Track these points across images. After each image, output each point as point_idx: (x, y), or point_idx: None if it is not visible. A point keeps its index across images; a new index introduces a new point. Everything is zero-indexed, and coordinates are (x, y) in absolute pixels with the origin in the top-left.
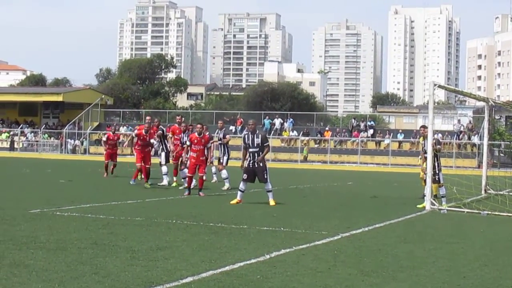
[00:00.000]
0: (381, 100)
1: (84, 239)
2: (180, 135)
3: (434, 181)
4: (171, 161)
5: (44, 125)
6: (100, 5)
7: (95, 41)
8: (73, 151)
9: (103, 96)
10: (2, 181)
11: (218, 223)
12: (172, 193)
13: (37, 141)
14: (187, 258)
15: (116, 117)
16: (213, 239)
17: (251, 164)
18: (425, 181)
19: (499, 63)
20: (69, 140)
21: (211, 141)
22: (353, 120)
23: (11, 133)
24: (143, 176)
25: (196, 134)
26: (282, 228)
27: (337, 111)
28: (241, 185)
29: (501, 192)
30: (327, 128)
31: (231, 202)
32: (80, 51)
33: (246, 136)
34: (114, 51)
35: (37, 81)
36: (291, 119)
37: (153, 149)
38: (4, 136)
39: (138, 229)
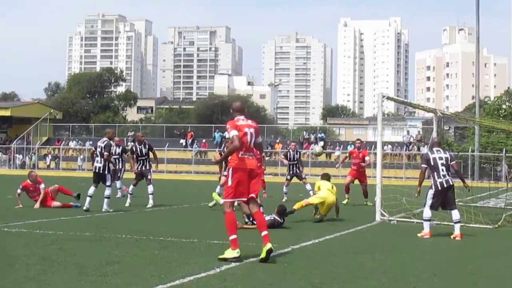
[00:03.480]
0: (332, 112)
1: (32, 255)
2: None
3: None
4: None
5: None
6: (49, 18)
7: (44, 55)
8: (22, 166)
9: (52, 111)
10: None
11: (168, 237)
12: (122, 208)
13: None
14: (137, 273)
15: (65, 131)
16: (163, 253)
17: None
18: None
19: (447, 74)
20: (17, 155)
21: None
22: (304, 132)
23: None
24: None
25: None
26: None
27: (287, 124)
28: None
29: None
30: (277, 141)
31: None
32: (28, 65)
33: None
34: (63, 64)
35: None
36: None
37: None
38: None
39: (87, 244)
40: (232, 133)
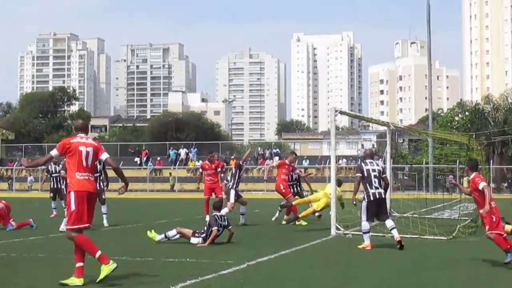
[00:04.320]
0: (286, 127)
1: None
2: None
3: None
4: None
5: None
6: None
7: None
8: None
9: (3, 131)
10: None
11: (123, 256)
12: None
13: None
14: None
15: (18, 151)
16: (118, 273)
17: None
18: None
19: (400, 87)
20: None
21: None
22: (259, 148)
23: None
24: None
25: None
26: (188, 259)
27: (242, 140)
28: None
29: (405, 215)
30: (232, 157)
31: None
32: None
33: None
34: (14, 84)
35: None
36: (196, 149)
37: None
38: None
39: (41, 265)
40: (52, 151)
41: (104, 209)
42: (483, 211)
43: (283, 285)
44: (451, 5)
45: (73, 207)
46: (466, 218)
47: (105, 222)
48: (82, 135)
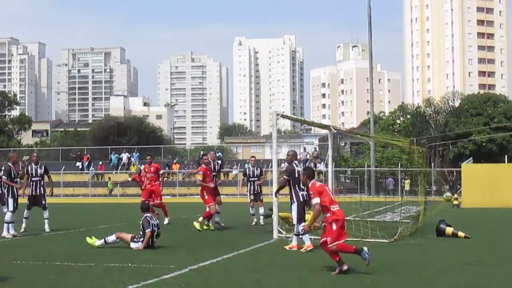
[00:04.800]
0: (229, 131)
1: None
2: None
3: None
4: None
5: None
6: None
7: None
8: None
9: None
10: None
11: (64, 261)
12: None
13: None
14: None
15: None
16: (59, 279)
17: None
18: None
19: (342, 91)
20: None
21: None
22: (202, 151)
23: None
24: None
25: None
26: (130, 264)
27: (185, 144)
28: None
29: (347, 218)
30: (175, 161)
31: None
32: None
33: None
34: None
35: None
36: (138, 153)
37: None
38: None
39: None
40: None
41: (46, 214)
42: (317, 223)
43: None
44: (393, 9)
45: None
46: (408, 220)
47: (46, 227)
48: None
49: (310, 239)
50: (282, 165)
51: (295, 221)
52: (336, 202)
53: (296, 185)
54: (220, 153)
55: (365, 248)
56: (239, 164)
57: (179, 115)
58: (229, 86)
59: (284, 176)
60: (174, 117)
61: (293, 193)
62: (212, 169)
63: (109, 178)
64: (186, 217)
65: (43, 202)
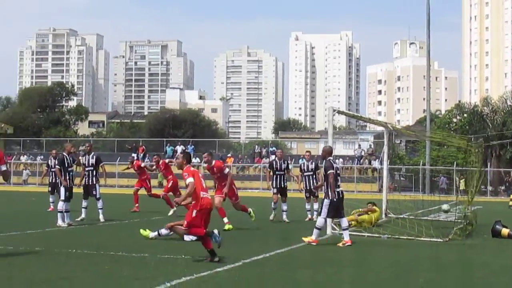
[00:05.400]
0: (283, 126)
1: None
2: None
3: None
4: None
5: None
6: None
7: None
8: None
9: (2, 125)
10: None
11: (119, 251)
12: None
13: None
14: None
15: (17, 145)
16: (114, 268)
17: None
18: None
19: (398, 88)
20: None
21: None
22: (256, 146)
23: None
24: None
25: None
26: (183, 256)
27: (239, 138)
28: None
29: (401, 216)
30: (229, 155)
31: None
32: None
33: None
34: (14, 79)
35: None
36: (193, 146)
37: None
38: None
39: (38, 259)
40: None
41: (99, 204)
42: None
43: (277, 284)
44: (451, 6)
45: None
46: (463, 220)
47: (101, 217)
48: None
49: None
50: (337, 161)
51: (322, 215)
52: (206, 190)
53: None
54: (274, 148)
55: (215, 231)
56: (293, 160)
57: (234, 109)
58: (285, 81)
59: (329, 172)
60: (229, 111)
61: (329, 189)
62: (278, 167)
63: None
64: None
65: (94, 192)
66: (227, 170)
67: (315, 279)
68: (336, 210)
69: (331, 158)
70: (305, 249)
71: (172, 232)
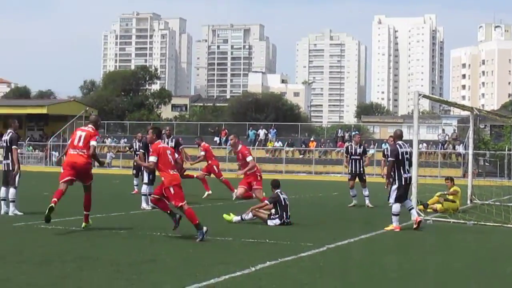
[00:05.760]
0: (366, 110)
1: (68, 252)
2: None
3: None
4: None
5: (28, 138)
6: (84, 17)
7: (80, 53)
8: (58, 163)
9: (87, 108)
10: None
11: None
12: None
13: (21, 154)
14: (172, 271)
15: (101, 129)
16: (198, 252)
17: None
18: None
19: (483, 72)
20: (53, 152)
21: None
22: (339, 130)
23: None
24: None
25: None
26: (267, 240)
27: (321, 122)
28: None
29: (487, 202)
30: (311, 139)
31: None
32: (64, 63)
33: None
34: (98, 63)
35: (21, 93)
36: (275, 130)
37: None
38: None
39: (122, 241)
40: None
41: None
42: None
43: (363, 269)
44: None
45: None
46: None
47: None
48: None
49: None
50: (420, 146)
51: (391, 200)
52: (175, 167)
53: (401, 167)
54: (356, 132)
55: (178, 215)
56: (376, 144)
57: (316, 93)
58: (367, 65)
59: (390, 158)
60: (311, 95)
61: (396, 175)
62: (354, 152)
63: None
64: (322, 195)
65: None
66: (250, 158)
67: (401, 266)
68: (404, 194)
69: (400, 142)
70: (390, 235)
71: (255, 217)
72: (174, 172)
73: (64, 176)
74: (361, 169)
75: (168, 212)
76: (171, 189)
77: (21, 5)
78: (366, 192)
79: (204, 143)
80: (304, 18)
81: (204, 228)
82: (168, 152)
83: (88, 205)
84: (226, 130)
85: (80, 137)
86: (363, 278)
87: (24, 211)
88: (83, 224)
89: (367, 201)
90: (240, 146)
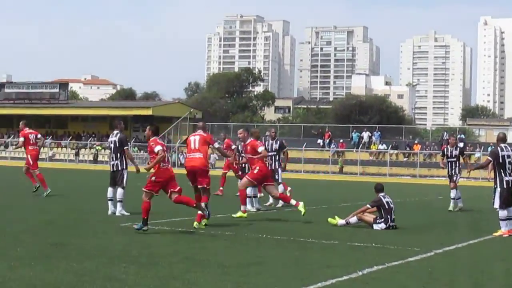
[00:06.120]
0: (471, 112)
1: (175, 253)
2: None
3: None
4: None
5: (133, 139)
6: (189, 19)
7: (184, 56)
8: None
9: (191, 110)
10: (90, 193)
11: (308, 238)
12: (262, 207)
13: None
14: (278, 274)
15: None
16: (304, 255)
17: None
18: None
19: None
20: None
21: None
22: (444, 133)
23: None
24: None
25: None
26: (373, 244)
27: (425, 124)
28: None
29: None
30: (416, 142)
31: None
32: (169, 65)
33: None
34: (202, 65)
35: (127, 95)
36: (379, 132)
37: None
38: (97, 149)
39: (228, 243)
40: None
41: (280, 189)
42: None
43: (471, 276)
44: None
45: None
46: None
47: (281, 202)
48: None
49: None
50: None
51: (496, 205)
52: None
53: (502, 170)
54: (462, 135)
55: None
56: (482, 147)
57: (421, 95)
58: (473, 67)
59: (488, 157)
60: (415, 97)
61: (497, 178)
62: (450, 154)
63: (339, 156)
64: (427, 199)
65: (276, 177)
66: (261, 148)
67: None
68: (507, 198)
69: (502, 145)
70: (498, 240)
71: (360, 221)
72: (163, 167)
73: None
74: (455, 171)
75: (194, 205)
76: (153, 178)
77: (128, 9)
78: (452, 194)
79: (227, 139)
80: (408, 20)
81: (142, 227)
82: (164, 148)
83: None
84: (330, 133)
85: (194, 141)
86: (472, 285)
87: (131, 212)
88: (196, 223)
89: (455, 204)
90: (249, 140)
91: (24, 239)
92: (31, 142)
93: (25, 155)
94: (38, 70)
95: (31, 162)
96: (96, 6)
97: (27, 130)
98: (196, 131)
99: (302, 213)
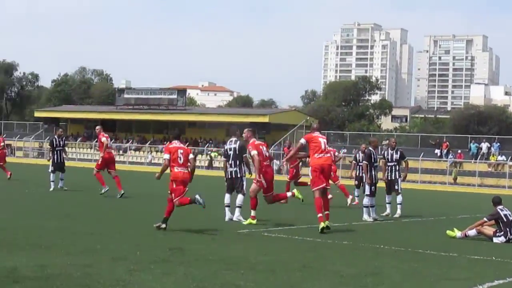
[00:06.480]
0: None
1: (292, 261)
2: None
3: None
4: None
5: None
6: (306, 28)
7: (301, 64)
8: (278, 171)
9: (308, 118)
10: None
11: (426, 249)
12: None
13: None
14: (397, 286)
15: None
16: (422, 267)
17: None
18: None
19: None
20: (274, 160)
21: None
22: None
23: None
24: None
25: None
26: (493, 258)
27: None
28: None
29: None
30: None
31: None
32: (286, 73)
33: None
34: (319, 73)
35: (244, 102)
36: (498, 143)
37: None
38: (212, 155)
39: (346, 253)
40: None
41: (399, 199)
42: None
43: None
44: None
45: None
46: None
47: (398, 211)
48: (318, 133)
49: None
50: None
51: None
52: (184, 165)
53: None
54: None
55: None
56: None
57: None
58: None
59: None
60: None
61: None
62: None
63: (455, 166)
64: None
65: (396, 187)
66: (253, 152)
67: None
68: None
69: None
70: None
71: (480, 234)
72: (180, 170)
73: (319, 183)
74: None
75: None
76: (173, 184)
77: (244, 16)
78: None
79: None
80: None
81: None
82: (180, 151)
83: (327, 205)
84: (448, 143)
85: (324, 143)
86: None
87: (246, 218)
88: (322, 224)
89: None
90: (251, 140)
91: (143, 243)
92: (109, 146)
93: (144, 160)
94: (156, 77)
95: (99, 163)
96: (219, 16)
97: (103, 134)
98: (316, 133)
99: (301, 199)
